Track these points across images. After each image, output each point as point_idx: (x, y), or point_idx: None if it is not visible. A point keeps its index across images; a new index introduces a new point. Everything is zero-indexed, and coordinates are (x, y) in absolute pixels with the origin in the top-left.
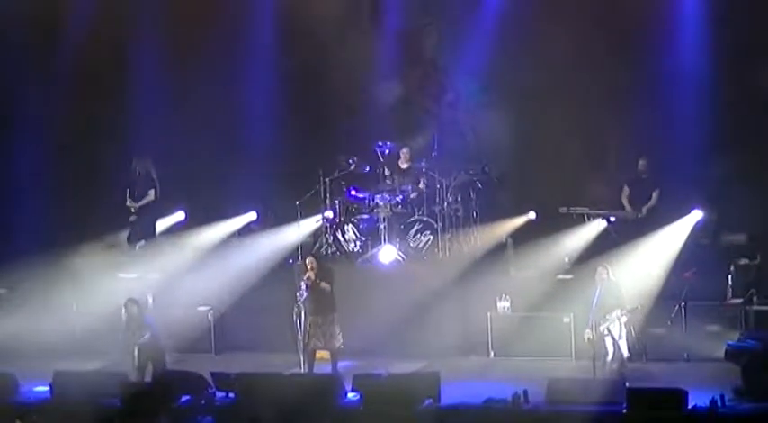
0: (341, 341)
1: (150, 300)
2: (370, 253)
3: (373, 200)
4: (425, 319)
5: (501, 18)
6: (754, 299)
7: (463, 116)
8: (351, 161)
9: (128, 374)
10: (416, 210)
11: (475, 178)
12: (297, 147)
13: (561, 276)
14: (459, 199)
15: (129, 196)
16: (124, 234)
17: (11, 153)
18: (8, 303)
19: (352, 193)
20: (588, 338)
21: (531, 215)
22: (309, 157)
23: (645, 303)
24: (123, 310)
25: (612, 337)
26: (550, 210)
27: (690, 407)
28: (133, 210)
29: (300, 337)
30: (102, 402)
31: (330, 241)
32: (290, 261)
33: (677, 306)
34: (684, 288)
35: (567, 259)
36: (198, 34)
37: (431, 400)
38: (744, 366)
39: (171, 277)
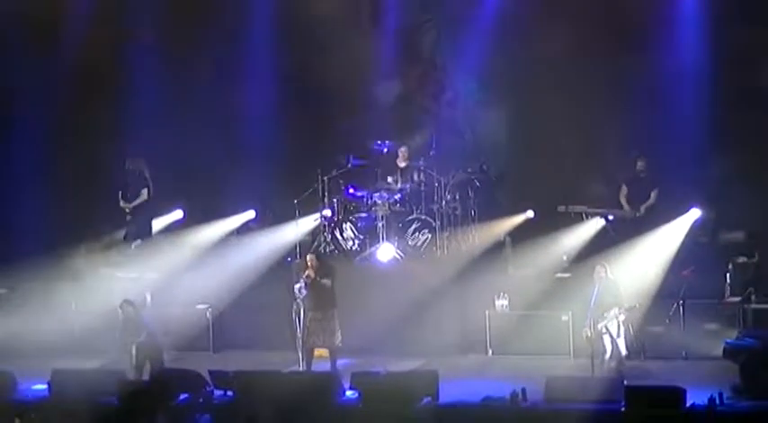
0: (340, 338)
1: (149, 298)
2: (368, 251)
3: (371, 198)
4: (424, 318)
5: (500, 17)
6: (753, 297)
7: (462, 115)
8: (349, 159)
9: (126, 373)
10: (415, 208)
11: (473, 177)
12: (295, 145)
13: (559, 275)
14: (457, 197)
15: (122, 197)
16: (121, 233)
17: (11, 153)
18: (8, 303)
19: (351, 191)
20: (586, 337)
21: (530, 214)
22: (308, 156)
23: (643, 302)
24: (120, 311)
25: (611, 336)
26: (549, 208)
27: (688, 405)
28: (127, 210)
29: (299, 335)
30: (100, 401)
31: (328, 240)
32: (289, 259)
33: (675, 304)
34: (683, 286)
35: (565, 258)
36: (197, 34)
37: (429, 399)
38: (742, 364)
39: (169, 276)
